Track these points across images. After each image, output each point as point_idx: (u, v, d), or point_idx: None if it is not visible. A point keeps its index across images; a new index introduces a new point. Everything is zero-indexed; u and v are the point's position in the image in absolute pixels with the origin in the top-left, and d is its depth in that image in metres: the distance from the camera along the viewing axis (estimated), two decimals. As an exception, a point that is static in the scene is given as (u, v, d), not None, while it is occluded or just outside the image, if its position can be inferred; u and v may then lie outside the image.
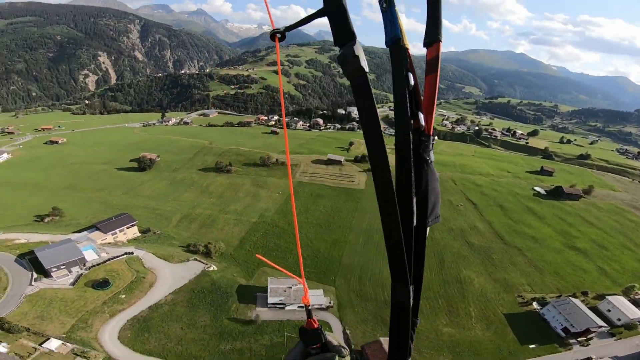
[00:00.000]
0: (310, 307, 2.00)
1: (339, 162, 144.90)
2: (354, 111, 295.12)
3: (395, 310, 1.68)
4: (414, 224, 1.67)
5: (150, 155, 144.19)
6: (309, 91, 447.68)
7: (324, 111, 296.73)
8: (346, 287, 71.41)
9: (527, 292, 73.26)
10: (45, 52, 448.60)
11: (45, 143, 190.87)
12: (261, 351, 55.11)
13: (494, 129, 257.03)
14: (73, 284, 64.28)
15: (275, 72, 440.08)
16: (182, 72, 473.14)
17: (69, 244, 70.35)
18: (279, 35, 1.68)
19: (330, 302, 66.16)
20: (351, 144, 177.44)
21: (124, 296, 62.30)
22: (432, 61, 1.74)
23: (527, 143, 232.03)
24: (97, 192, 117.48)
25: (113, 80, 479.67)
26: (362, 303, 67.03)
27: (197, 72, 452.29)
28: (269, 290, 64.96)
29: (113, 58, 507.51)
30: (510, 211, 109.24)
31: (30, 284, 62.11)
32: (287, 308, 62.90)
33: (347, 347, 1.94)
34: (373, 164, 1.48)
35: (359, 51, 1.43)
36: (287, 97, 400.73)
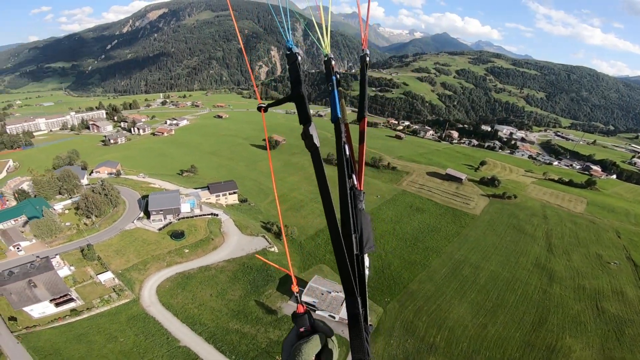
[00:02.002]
0: (297, 295, 2.32)
1: (458, 180, 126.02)
2: (503, 129, 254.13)
3: (350, 319, 2.10)
4: (355, 252, 2.15)
5: (278, 137, 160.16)
6: (455, 103, 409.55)
7: (464, 125, 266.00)
8: (397, 314, 60.38)
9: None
10: (236, 44, 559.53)
11: (215, 117, 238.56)
12: (262, 343, 52.11)
13: None
14: (160, 229, 73.46)
15: (420, 79, 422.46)
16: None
17: (173, 194, 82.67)
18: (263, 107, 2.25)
19: (370, 325, 57.33)
20: (483, 163, 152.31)
21: (187, 251, 69.08)
22: (361, 134, 2.33)
23: None
24: (228, 159, 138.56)
25: (279, 72, 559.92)
26: (403, 337, 55.41)
27: (343, 72, 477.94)
28: (306, 287, 61.10)
29: (281, 53, 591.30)
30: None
31: (133, 222, 76.08)
32: (317, 312, 57.95)
33: (332, 329, 2.26)
34: (326, 214, 1.95)
35: (313, 131, 1.96)
36: (428, 106, 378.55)
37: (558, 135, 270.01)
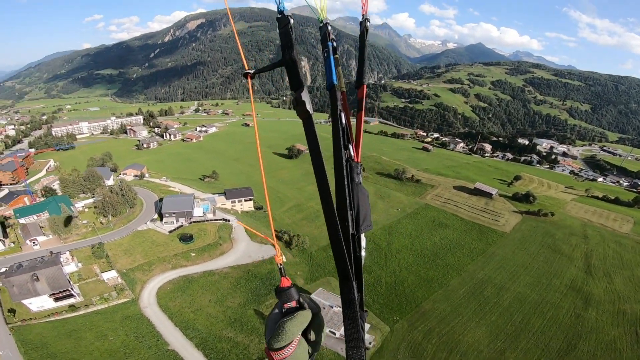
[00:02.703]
0: (281, 266, 2.13)
1: (488, 195, 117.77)
2: (543, 143, 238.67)
3: (345, 305, 1.94)
4: (351, 231, 2.00)
5: (300, 147, 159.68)
6: (489, 115, 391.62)
7: (499, 138, 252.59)
8: (404, 334, 55.19)
9: None
10: (268, 54, 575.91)
11: (242, 125, 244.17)
12: (254, 355, 49.27)
13: None
14: (171, 231, 74.27)
15: (452, 90, 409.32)
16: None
17: (187, 198, 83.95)
18: (251, 74, 1.98)
19: (370, 343, 52.52)
20: (517, 178, 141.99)
21: (194, 254, 68.73)
22: (360, 102, 2.20)
23: None
24: (250, 166, 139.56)
25: (308, 83, 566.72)
26: (409, 359, 50.47)
27: (373, 83, 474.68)
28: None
29: (311, 63, 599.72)
30: None
31: (146, 223, 77.62)
32: None
33: (318, 305, 2.11)
34: (319, 188, 1.80)
35: (306, 97, 1.77)
36: (461, 118, 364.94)
37: (604, 150, 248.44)
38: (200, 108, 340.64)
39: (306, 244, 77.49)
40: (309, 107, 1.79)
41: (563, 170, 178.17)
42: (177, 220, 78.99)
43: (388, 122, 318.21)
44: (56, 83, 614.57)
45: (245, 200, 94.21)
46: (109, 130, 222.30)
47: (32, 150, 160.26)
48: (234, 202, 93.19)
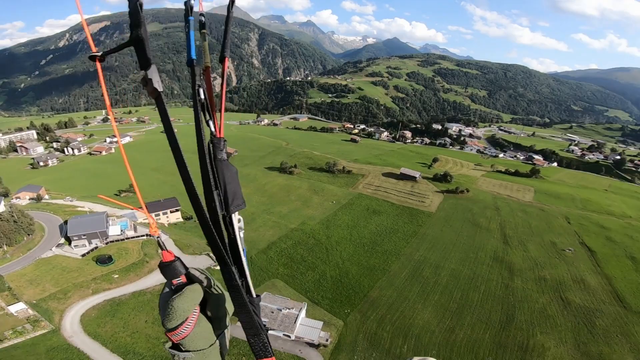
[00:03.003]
0: (158, 238, 1.84)
1: (413, 178, 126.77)
2: (453, 127, 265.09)
3: (230, 293, 1.85)
4: (221, 212, 1.84)
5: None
6: (407, 105, 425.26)
7: (417, 125, 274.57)
8: (359, 325, 56.41)
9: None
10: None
11: (162, 132, 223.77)
12: None
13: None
14: (84, 255, 66.74)
15: (374, 83, 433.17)
16: (287, 78, 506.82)
17: (97, 217, 74.64)
18: (99, 57, 1.80)
19: (327, 340, 52.60)
20: (435, 160, 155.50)
21: (116, 276, 61.84)
22: (223, 74, 2.01)
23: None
24: (172, 176, 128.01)
25: (234, 84, 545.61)
26: (367, 351, 51.44)
27: (300, 80, 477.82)
28: None
29: (235, 63, 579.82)
30: (649, 269, 75.04)
31: (51, 249, 67.59)
32: (269, 332, 52.86)
33: (209, 276, 1.97)
34: (179, 170, 1.68)
35: (154, 75, 1.66)
36: (383, 109, 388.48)
37: (501, 130, 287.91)
38: (110, 117, 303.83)
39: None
40: (157, 84, 1.68)
41: (471, 149, 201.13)
42: (90, 242, 70.64)
43: (317, 118, 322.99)
44: None
45: (171, 212, 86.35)
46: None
47: None
48: (158, 214, 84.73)
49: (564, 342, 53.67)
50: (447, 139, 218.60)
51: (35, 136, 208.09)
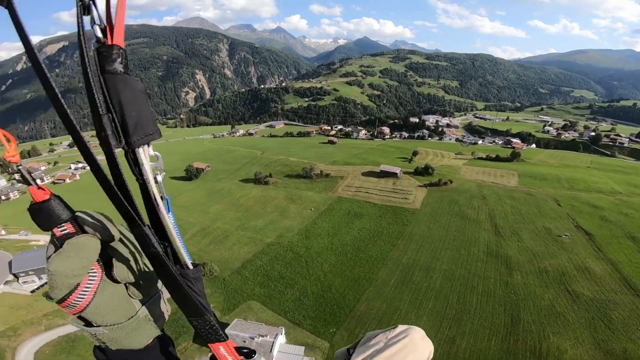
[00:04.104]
0: (20, 168, 1.23)
1: (394, 175, 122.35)
2: (430, 119, 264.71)
3: (151, 262, 1.32)
4: (117, 145, 1.22)
5: (200, 165, 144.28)
6: (384, 101, 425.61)
7: (395, 120, 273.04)
8: (347, 346, 51.02)
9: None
10: (156, 71, 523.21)
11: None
12: None
13: (618, 135, 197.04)
14: (33, 291, 62.54)
15: (349, 83, 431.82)
16: (262, 86, 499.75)
17: (44, 251, 68.07)
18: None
19: None
20: (415, 153, 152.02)
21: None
22: None
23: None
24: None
25: (207, 96, 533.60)
26: None
27: (275, 86, 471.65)
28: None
29: (207, 75, 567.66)
30: (650, 248, 71.60)
31: None
32: None
33: (112, 221, 1.47)
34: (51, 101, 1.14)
35: None
36: (360, 108, 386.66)
37: (477, 117, 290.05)
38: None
39: (215, 271, 66.89)
40: None
41: (450, 139, 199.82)
42: (40, 277, 65.28)
43: (293, 123, 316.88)
44: None
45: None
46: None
47: None
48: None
49: (580, 341, 48.23)
50: (425, 131, 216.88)
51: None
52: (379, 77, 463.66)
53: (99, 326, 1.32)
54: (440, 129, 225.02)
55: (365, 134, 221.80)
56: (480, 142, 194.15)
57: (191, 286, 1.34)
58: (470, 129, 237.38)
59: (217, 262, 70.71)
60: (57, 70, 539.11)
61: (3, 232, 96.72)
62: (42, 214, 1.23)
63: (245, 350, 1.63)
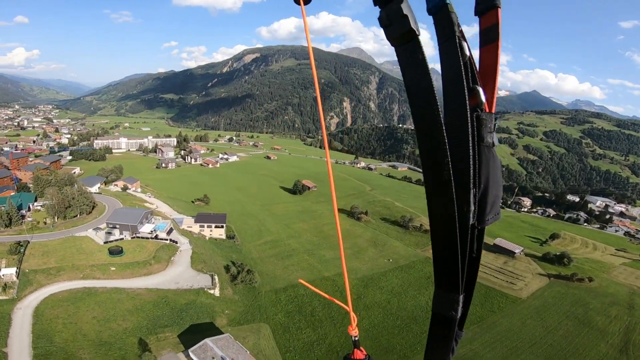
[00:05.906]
0: (356, 339, 1.74)
1: (510, 253, 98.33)
2: (597, 202, 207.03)
3: (437, 322, 1.42)
4: (471, 221, 1.28)
5: (308, 183, 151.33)
6: (539, 169, 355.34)
7: (545, 194, 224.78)
8: None
9: None
10: (312, 92, 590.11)
11: (265, 157, 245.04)
12: None
13: None
14: (105, 242, 69.34)
15: (499, 140, 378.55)
16: (400, 125, 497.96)
17: (136, 212, 79.45)
18: None
19: None
20: (554, 236, 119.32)
21: (113, 269, 61.84)
22: (489, 30, 1.41)
23: None
24: (249, 197, 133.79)
25: (348, 124, 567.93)
26: None
27: (412, 128, 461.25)
28: (193, 352, 43.78)
29: (353, 104, 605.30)
30: None
31: (87, 230, 73.09)
32: None
33: None
34: (426, 145, 1.13)
35: (408, 10, 1.10)
36: (505, 171, 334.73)
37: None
38: (235, 138, 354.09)
39: (256, 282, 66.22)
40: (413, 24, 1.10)
41: (617, 231, 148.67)
42: (121, 233, 73.87)
43: (417, 169, 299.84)
44: (126, 102, 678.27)
45: (215, 227, 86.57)
46: (143, 148, 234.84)
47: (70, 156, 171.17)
48: (203, 226, 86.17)
49: None
50: (583, 214, 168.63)
51: (174, 143, 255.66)
52: (541, 139, 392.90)
53: None
54: (607, 215, 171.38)
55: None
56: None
57: (455, 347, 1.48)
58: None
59: (264, 274, 70.53)
60: (246, 77, 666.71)
61: (138, 189, 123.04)
62: None
63: None
